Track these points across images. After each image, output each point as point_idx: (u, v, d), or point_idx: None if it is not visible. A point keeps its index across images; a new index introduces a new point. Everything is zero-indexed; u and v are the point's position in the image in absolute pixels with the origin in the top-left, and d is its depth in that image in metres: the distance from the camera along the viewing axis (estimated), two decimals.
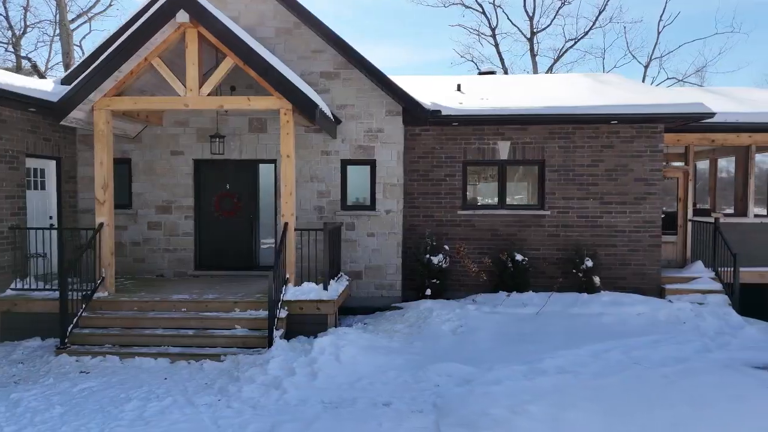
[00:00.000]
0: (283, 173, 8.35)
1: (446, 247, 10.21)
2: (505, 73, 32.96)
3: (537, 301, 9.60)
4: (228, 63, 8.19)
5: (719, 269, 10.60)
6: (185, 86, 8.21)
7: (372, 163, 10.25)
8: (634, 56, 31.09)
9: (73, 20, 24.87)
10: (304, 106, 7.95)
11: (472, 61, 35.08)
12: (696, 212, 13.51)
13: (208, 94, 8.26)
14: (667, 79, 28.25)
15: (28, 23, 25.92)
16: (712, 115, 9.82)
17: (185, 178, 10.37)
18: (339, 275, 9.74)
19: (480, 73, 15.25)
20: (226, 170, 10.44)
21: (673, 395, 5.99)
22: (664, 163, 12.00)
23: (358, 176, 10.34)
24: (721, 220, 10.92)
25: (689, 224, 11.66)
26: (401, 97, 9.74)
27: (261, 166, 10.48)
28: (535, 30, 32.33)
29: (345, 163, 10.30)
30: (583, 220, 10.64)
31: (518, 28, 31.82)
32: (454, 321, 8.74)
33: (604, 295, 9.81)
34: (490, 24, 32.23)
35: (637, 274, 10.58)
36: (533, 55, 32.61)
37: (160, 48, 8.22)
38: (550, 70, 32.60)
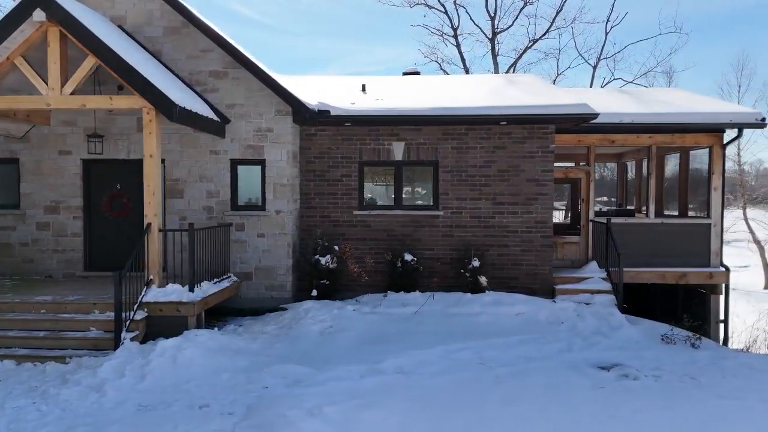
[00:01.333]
0: (146, 173, 8.28)
1: (336, 247, 10.17)
2: (467, 73, 33.11)
3: (420, 300, 9.61)
4: (90, 62, 8.10)
5: (611, 269, 10.65)
6: (47, 85, 8.11)
7: (262, 163, 10.20)
8: (583, 58, 31.18)
9: None
10: (161, 106, 7.88)
11: (436, 61, 35.16)
12: (622, 213, 13.60)
13: (72, 93, 8.17)
14: (614, 79, 28.56)
15: None
16: (595, 115, 9.88)
17: (73, 178, 10.26)
18: (227, 276, 9.70)
19: (404, 74, 15.22)
20: (116, 170, 10.35)
21: (492, 395, 5.99)
22: (583, 164, 12.06)
23: (248, 176, 10.29)
24: (614, 221, 10.95)
25: (590, 225, 11.71)
26: (285, 98, 9.71)
27: None
28: (496, 30, 32.48)
29: (235, 163, 10.24)
30: (476, 221, 10.66)
31: (480, 28, 31.89)
32: (327, 322, 8.71)
33: (488, 294, 9.82)
34: (452, 24, 32.27)
35: (530, 274, 10.61)
36: (494, 56, 32.70)
37: (22, 47, 8.13)
38: (512, 69, 32.71)
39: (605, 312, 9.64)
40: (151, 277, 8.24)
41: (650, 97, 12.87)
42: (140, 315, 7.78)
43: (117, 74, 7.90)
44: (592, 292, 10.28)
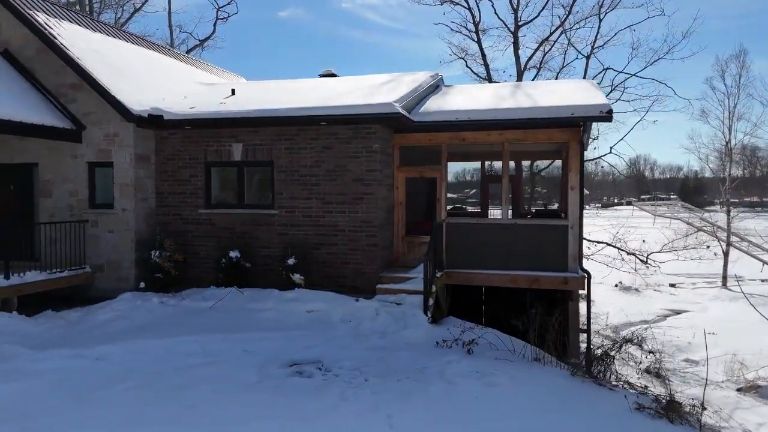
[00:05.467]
0: None
1: (170, 244, 10.91)
2: (486, 69, 32.35)
3: (223, 295, 10.08)
4: None
5: (448, 271, 10.35)
6: None
7: (111, 165, 11.22)
8: (574, 47, 28.77)
9: None
10: None
11: (463, 58, 34.56)
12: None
13: None
14: (604, 70, 26.60)
15: None
16: (397, 114, 9.74)
17: None
18: (79, 267, 10.88)
19: (320, 75, 15.60)
20: None
21: (129, 383, 6.45)
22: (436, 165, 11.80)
23: (102, 177, 11.37)
24: (449, 221, 10.62)
25: (444, 225, 11.39)
26: (113, 105, 10.62)
27: None
28: (519, 23, 31.44)
29: (92, 166, 11.36)
30: (307, 219, 10.89)
31: (504, 22, 30.99)
32: (120, 312, 9.52)
33: (294, 292, 10.07)
34: (473, 19, 31.64)
35: (357, 273, 10.65)
36: (516, 50, 31.65)
37: None
38: (537, 62, 31.42)
39: (409, 313, 9.50)
40: None
41: (534, 91, 12.17)
42: None
43: None
44: (409, 292, 10.09)
